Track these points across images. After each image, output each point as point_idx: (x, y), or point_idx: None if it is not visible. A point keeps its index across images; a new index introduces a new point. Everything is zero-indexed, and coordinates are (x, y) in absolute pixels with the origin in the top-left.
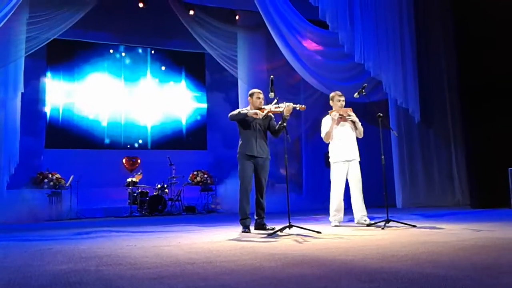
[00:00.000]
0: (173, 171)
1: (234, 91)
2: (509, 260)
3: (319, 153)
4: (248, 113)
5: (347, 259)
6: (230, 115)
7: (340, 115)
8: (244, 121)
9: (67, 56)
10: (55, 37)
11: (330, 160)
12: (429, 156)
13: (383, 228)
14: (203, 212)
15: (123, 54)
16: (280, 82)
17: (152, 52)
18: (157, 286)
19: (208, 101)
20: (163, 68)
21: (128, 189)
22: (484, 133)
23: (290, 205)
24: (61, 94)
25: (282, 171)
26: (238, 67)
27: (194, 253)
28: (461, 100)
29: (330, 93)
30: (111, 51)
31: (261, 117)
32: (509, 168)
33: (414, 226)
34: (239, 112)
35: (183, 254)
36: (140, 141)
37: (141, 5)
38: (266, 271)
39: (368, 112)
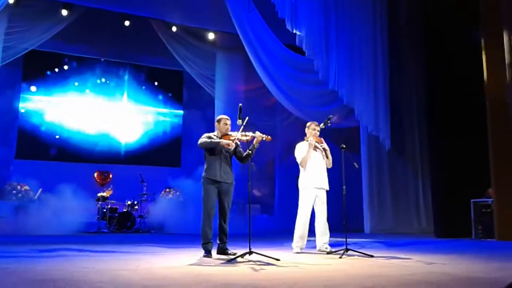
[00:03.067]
0: (145, 187)
1: (211, 109)
2: None
3: (292, 175)
4: (221, 143)
5: None
6: (201, 143)
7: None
8: (211, 148)
9: (44, 67)
10: (33, 48)
11: (300, 186)
12: (397, 183)
13: (340, 257)
14: (171, 232)
15: (100, 68)
16: (257, 104)
17: (131, 67)
18: None
19: (184, 118)
20: (140, 84)
21: (98, 204)
22: (450, 164)
23: (262, 225)
24: (35, 105)
25: (255, 192)
26: (215, 86)
27: (148, 279)
28: (429, 132)
29: (304, 117)
30: (89, 64)
31: (232, 148)
32: (472, 200)
33: (372, 256)
34: (211, 141)
35: (138, 280)
36: (113, 156)
37: (127, 23)
38: None
39: (340, 139)
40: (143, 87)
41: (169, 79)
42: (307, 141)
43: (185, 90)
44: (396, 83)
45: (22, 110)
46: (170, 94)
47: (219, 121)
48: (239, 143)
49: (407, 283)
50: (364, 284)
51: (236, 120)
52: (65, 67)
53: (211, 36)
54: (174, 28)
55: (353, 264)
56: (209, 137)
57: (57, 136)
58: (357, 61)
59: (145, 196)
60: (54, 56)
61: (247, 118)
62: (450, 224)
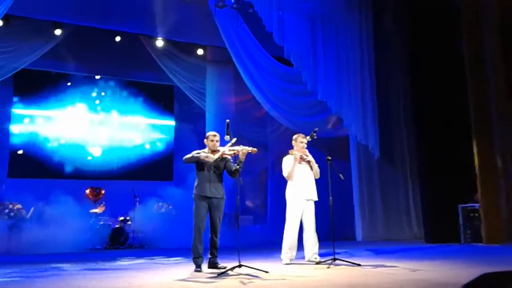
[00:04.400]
0: (137, 203)
1: (202, 123)
2: None
3: (284, 186)
4: (200, 157)
5: None
6: (185, 159)
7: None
8: (199, 163)
9: (35, 85)
10: (23, 66)
11: (287, 198)
12: (388, 191)
13: (328, 267)
14: (164, 246)
15: (91, 84)
16: (248, 116)
17: (122, 83)
18: None
19: (176, 132)
20: (131, 99)
21: (91, 221)
22: (438, 171)
23: (255, 236)
24: (27, 123)
25: (248, 203)
26: (206, 100)
27: None
28: (417, 139)
29: (294, 127)
30: (80, 81)
31: (211, 161)
32: (459, 205)
33: (359, 264)
34: (192, 156)
35: None
36: (105, 172)
37: (118, 38)
38: None
39: (331, 148)
40: (134, 102)
41: (160, 94)
42: (292, 154)
43: (176, 104)
44: (384, 92)
45: (13, 129)
46: (161, 108)
47: (207, 138)
48: (230, 157)
49: None
50: None
51: (224, 136)
52: (56, 85)
53: (200, 50)
54: (163, 43)
55: (339, 273)
56: (198, 153)
57: (47, 149)
58: (344, 71)
59: (138, 211)
60: (45, 74)
61: (234, 139)
62: (440, 230)
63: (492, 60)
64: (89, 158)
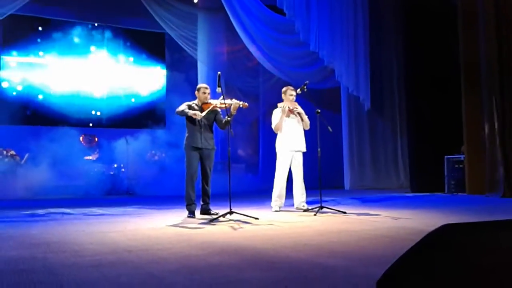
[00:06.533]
0: (130, 151)
1: (194, 71)
2: (394, 251)
3: (275, 135)
4: (188, 113)
5: (263, 248)
6: (177, 111)
7: (289, 107)
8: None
9: (23, 31)
10: (10, 12)
11: (277, 148)
12: (376, 142)
13: (315, 215)
14: (157, 194)
15: (81, 31)
16: (240, 65)
17: (111, 30)
18: (93, 274)
19: (167, 81)
20: (122, 46)
21: (85, 168)
22: (426, 123)
23: (246, 185)
24: (16, 70)
25: (240, 152)
26: (198, 49)
27: (134, 240)
28: (406, 91)
29: (286, 78)
30: (69, 27)
31: (199, 118)
32: (445, 156)
33: (344, 212)
34: (182, 111)
35: (125, 241)
36: (98, 119)
37: None
38: (191, 259)
39: (322, 99)
40: (125, 50)
41: (151, 41)
42: (281, 107)
43: (168, 52)
44: (376, 44)
45: (3, 75)
46: (152, 57)
47: (198, 90)
48: (219, 110)
49: (367, 238)
50: (330, 239)
51: (216, 88)
52: (45, 31)
53: None
54: None
55: (324, 221)
56: (189, 106)
57: (40, 96)
58: (337, 22)
59: (131, 159)
60: (33, 20)
61: (223, 95)
62: (425, 180)
63: (485, 17)
64: (81, 106)
